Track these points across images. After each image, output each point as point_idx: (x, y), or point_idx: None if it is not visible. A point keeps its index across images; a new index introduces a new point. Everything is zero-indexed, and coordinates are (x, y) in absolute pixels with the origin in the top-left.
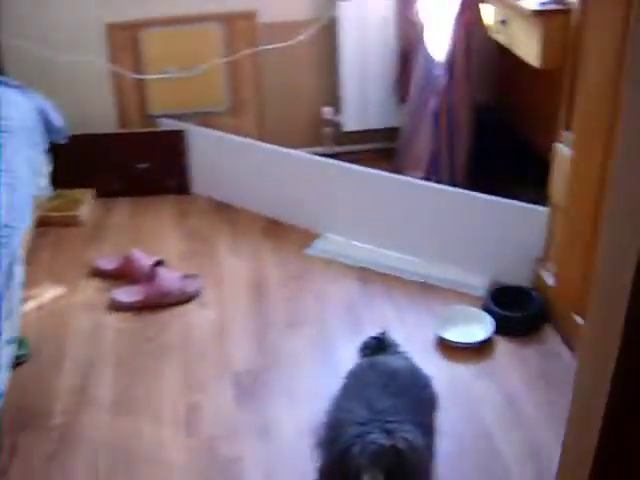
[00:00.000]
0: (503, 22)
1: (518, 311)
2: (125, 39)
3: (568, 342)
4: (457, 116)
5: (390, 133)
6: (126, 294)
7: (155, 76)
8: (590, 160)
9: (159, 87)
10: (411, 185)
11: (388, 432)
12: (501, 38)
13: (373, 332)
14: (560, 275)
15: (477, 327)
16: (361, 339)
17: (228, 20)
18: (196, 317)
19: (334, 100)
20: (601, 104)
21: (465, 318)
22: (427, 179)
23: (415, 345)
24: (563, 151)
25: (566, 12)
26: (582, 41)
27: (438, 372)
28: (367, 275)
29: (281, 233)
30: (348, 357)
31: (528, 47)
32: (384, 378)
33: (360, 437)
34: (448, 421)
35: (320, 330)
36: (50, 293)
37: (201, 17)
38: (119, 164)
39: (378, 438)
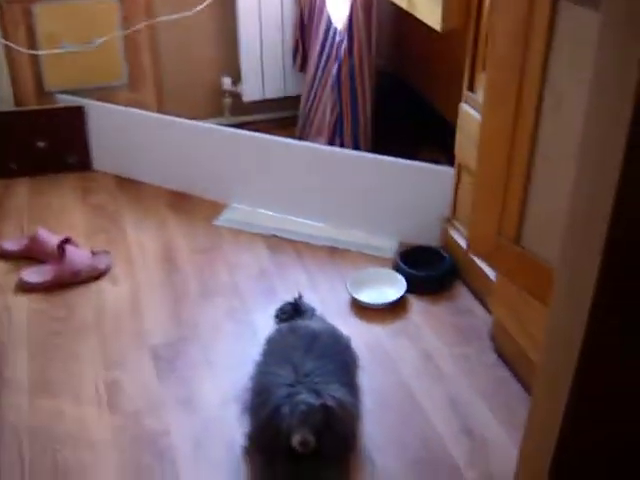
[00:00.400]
0: None
1: (429, 271)
2: (18, 13)
3: (480, 298)
4: (359, 82)
5: (290, 102)
6: (35, 274)
7: (50, 51)
8: (499, 120)
9: (55, 62)
10: (315, 151)
11: (316, 392)
12: (401, 2)
13: (287, 298)
14: (472, 230)
15: (389, 288)
16: (276, 306)
17: None
18: (108, 293)
19: (233, 70)
20: (508, 62)
21: (377, 279)
22: (329, 145)
23: (330, 309)
24: (468, 111)
25: None
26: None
27: (355, 333)
28: (276, 243)
29: (187, 206)
30: (265, 324)
31: (428, 10)
32: (306, 341)
33: (289, 398)
34: (369, 379)
35: (234, 299)
36: None
37: None
38: (17, 143)
39: (307, 398)
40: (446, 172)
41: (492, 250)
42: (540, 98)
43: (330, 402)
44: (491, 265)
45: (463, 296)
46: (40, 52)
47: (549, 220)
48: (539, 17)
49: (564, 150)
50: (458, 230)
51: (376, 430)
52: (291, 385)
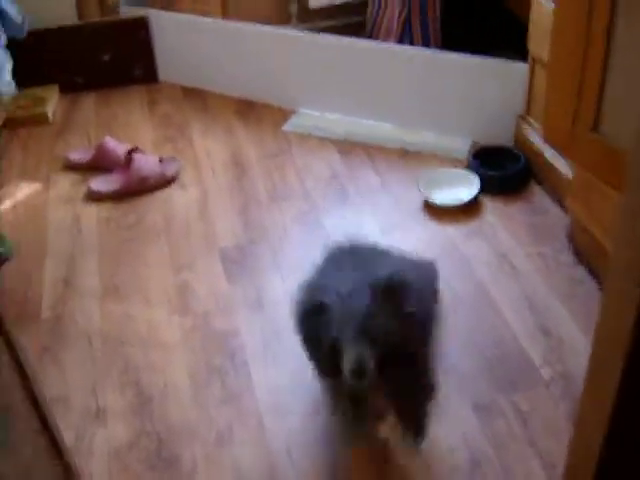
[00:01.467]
0: None
1: (503, 170)
2: None
3: (556, 198)
4: None
5: (358, 7)
6: (104, 183)
7: None
8: (575, 11)
9: None
10: (384, 50)
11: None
12: None
13: (358, 201)
14: (548, 120)
15: (462, 188)
16: (347, 209)
17: None
18: (178, 199)
19: None
20: None
21: (450, 180)
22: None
23: (402, 211)
24: (540, 1)
25: None
26: None
27: (428, 235)
28: (347, 146)
29: (255, 113)
30: (335, 227)
31: None
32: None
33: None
34: (442, 279)
35: (304, 203)
36: (25, 191)
37: None
38: (82, 58)
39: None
40: (520, 67)
41: (568, 139)
42: None
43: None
44: (567, 155)
45: (538, 196)
46: None
47: (627, 106)
48: None
49: None
50: (533, 128)
51: (452, 328)
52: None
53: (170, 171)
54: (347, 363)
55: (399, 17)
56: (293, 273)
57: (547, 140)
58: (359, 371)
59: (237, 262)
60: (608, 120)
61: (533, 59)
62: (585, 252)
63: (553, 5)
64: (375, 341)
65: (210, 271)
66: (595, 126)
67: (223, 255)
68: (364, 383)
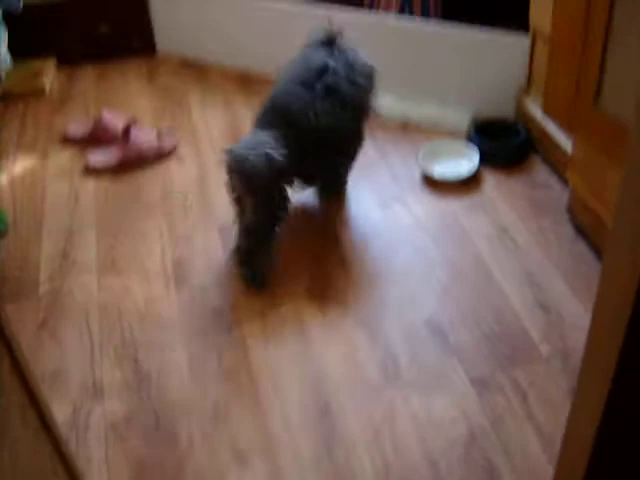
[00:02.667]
0: None
1: (504, 142)
2: None
3: (556, 171)
4: None
5: None
6: (102, 156)
7: None
8: None
9: None
10: (383, 21)
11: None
12: None
13: (357, 175)
14: (548, 96)
15: (463, 161)
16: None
17: None
18: (176, 172)
19: None
20: None
21: (450, 152)
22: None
23: (403, 184)
24: None
25: None
26: None
27: (428, 207)
28: None
29: (254, 85)
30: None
31: None
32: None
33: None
34: (442, 252)
35: None
36: (22, 164)
37: None
38: (79, 29)
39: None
40: (521, 40)
41: (570, 113)
42: None
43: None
44: (568, 129)
45: (539, 169)
46: None
47: (628, 80)
48: None
49: None
50: (534, 101)
51: (451, 303)
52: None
53: (168, 144)
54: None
55: None
56: None
57: (548, 114)
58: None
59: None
60: (610, 94)
61: (534, 31)
62: (585, 226)
63: None
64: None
65: (208, 246)
66: (597, 100)
67: (222, 230)
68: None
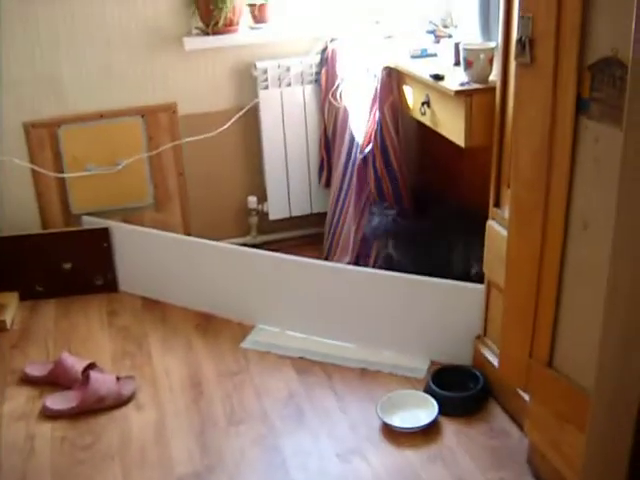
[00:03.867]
0: (426, 103)
1: (461, 391)
2: (44, 137)
3: (516, 419)
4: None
5: (317, 219)
6: (59, 401)
7: (76, 174)
8: (526, 241)
9: (81, 184)
10: (341, 271)
11: None
12: (425, 119)
13: (315, 424)
14: (503, 354)
15: (421, 410)
16: (304, 432)
17: (148, 113)
18: (134, 420)
19: (259, 189)
20: (533, 184)
21: (408, 402)
22: (356, 264)
23: (360, 434)
24: (495, 228)
25: (487, 91)
26: (506, 119)
27: (387, 459)
28: (304, 365)
29: (214, 327)
30: (294, 451)
31: (452, 127)
32: None
33: None
34: None
35: (262, 425)
36: None
37: (120, 111)
38: (43, 265)
39: None
40: (476, 289)
41: (524, 374)
42: (567, 218)
43: None
44: (523, 389)
45: (497, 417)
46: (66, 175)
47: (582, 343)
48: (562, 136)
49: (594, 271)
50: (490, 348)
51: None
52: None
53: (127, 391)
54: None
55: (355, 235)
56: None
57: (503, 374)
58: None
59: None
60: (563, 356)
61: (489, 282)
62: (544, 478)
63: (506, 232)
64: None
65: None
66: (550, 362)
67: None
68: None
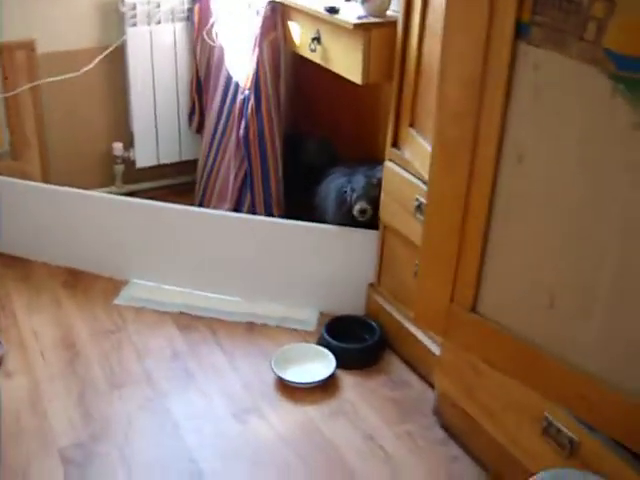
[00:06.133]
0: (316, 39)
1: (356, 342)
2: None
3: (416, 369)
4: (269, 142)
5: (187, 166)
6: None
7: None
8: (452, 180)
9: None
10: (222, 218)
11: (369, 176)
12: (314, 56)
13: (205, 383)
14: (420, 299)
15: (318, 364)
16: (194, 392)
17: (2, 51)
18: (4, 388)
19: (125, 134)
20: (462, 118)
21: (304, 356)
22: (235, 211)
23: (255, 392)
24: (393, 169)
25: (387, 25)
26: (407, 55)
27: (286, 417)
28: (186, 320)
29: (84, 284)
30: (184, 413)
31: (347, 63)
32: None
33: (349, 181)
34: (309, 469)
35: (148, 387)
36: None
37: None
38: None
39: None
40: (369, 235)
41: (442, 319)
42: (499, 152)
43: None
44: (443, 336)
45: (396, 367)
46: None
47: (510, 285)
48: (497, 65)
49: (527, 206)
50: (384, 297)
51: None
52: (349, 174)
53: None
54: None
55: (235, 180)
56: (145, 471)
57: (419, 322)
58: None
59: (79, 463)
60: (489, 299)
61: (385, 227)
62: (456, 428)
63: (405, 173)
64: None
65: (49, 478)
66: (474, 306)
67: (63, 456)
68: None
